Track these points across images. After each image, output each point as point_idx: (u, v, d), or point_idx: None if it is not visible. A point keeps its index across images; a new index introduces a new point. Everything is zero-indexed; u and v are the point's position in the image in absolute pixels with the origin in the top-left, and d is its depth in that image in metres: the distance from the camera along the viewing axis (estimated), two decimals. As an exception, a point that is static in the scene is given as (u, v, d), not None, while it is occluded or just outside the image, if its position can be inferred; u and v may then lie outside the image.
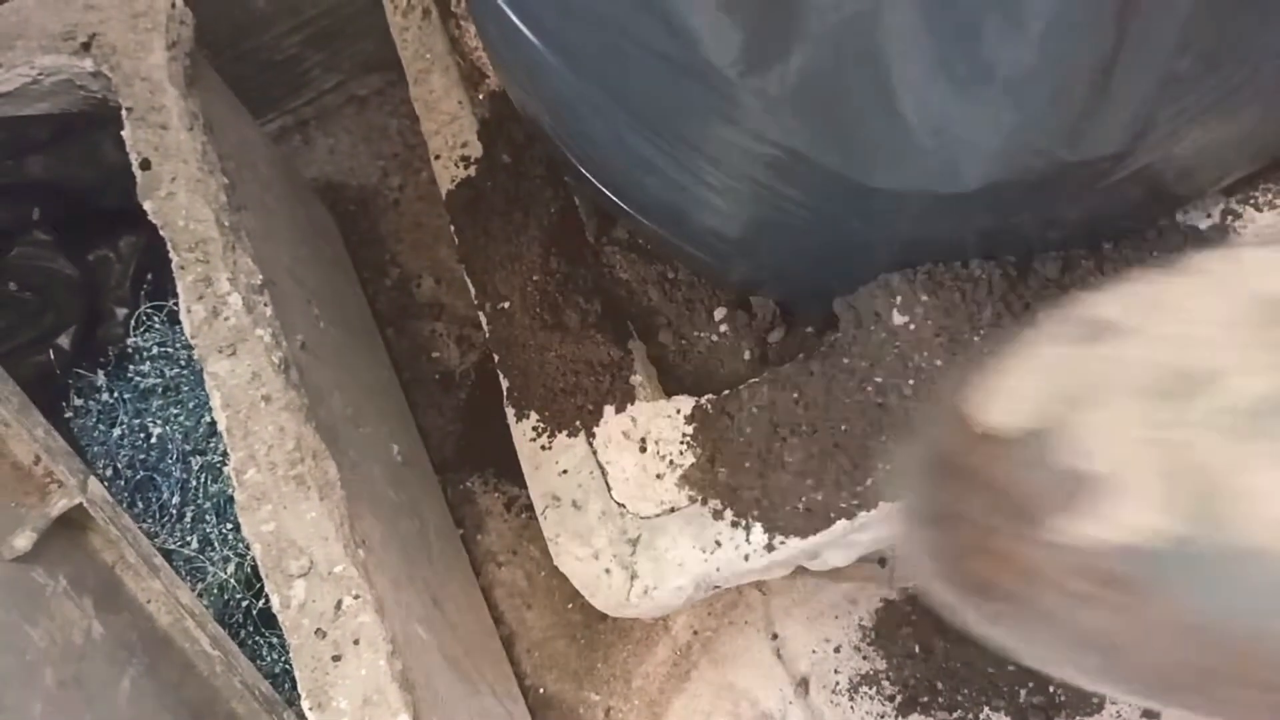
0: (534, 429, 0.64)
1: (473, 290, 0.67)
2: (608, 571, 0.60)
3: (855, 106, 0.41)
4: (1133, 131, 0.42)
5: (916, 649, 0.78)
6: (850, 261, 0.56)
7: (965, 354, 0.55)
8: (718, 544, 0.60)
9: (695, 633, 0.83)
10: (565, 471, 0.63)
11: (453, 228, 0.69)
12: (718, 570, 0.59)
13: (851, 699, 0.79)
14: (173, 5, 0.72)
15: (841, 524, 0.58)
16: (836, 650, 0.80)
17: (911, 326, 0.55)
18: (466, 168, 0.70)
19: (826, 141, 0.43)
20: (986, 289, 0.54)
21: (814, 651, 0.80)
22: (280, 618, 0.57)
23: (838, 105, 0.42)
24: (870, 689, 0.78)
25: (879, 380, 0.57)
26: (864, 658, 0.79)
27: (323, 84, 1.01)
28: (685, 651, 0.82)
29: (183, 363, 0.69)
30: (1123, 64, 0.39)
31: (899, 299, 0.55)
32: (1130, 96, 0.41)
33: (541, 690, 0.83)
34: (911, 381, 0.56)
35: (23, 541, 0.47)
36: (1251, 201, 0.57)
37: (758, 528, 0.59)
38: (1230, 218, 0.57)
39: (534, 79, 0.53)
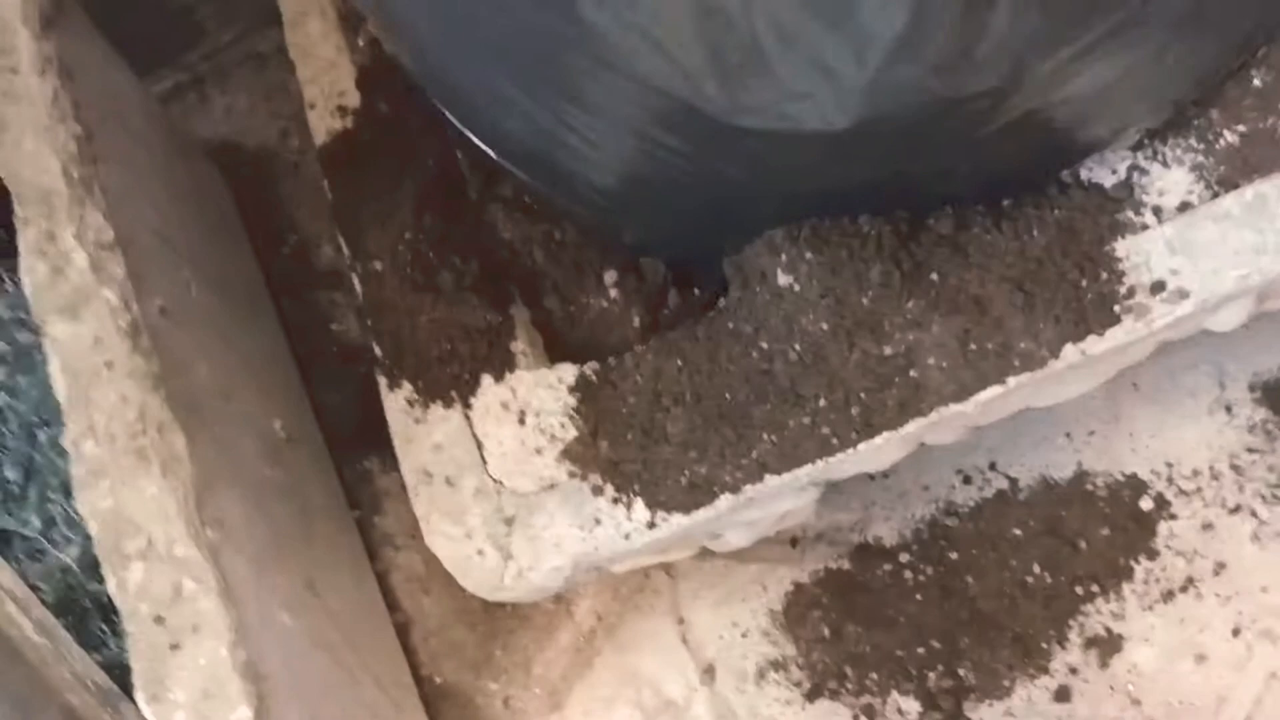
0: (407, 400, 0.60)
1: (345, 250, 0.62)
2: (480, 552, 0.57)
3: (716, 36, 0.37)
4: (1011, 66, 0.39)
5: (826, 633, 0.75)
6: (736, 217, 0.52)
7: (853, 317, 0.52)
8: (597, 522, 0.56)
9: (599, 618, 0.79)
10: (439, 446, 0.59)
11: (326, 183, 0.64)
12: (596, 549, 0.56)
13: (759, 686, 0.75)
14: (28, -59, 0.67)
15: (726, 499, 0.55)
16: (744, 635, 0.77)
17: (796, 287, 0.51)
18: (343, 118, 0.66)
19: (690, 75, 0.39)
20: (875, 245, 0.50)
21: (721, 637, 0.77)
22: (117, 602, 0.53)
23: (699, 34, 0.38)
24: (778, 675, 0.75)
25: (764, 346, 0.53)
26: (773, 643, 0.76)
27: (220, 38, 0.96)
28: (589, 637, 0.79)
29: (30, 327, 0.64)
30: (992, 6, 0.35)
31: (783, 257, 0.51)
32: (1006, 25, 0.37)
33: (438, 680, 0.79)
34: (798, 346, 0.52)
35: None
36: (1159, 158, 0.54)
37: (639, 504, 0.56)
38: (1137, 174, 0.54)
39: (392, 17, 0.49)
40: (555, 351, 0.62)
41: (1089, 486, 0.74)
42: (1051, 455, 0.75)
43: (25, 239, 0.59)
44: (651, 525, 0.55)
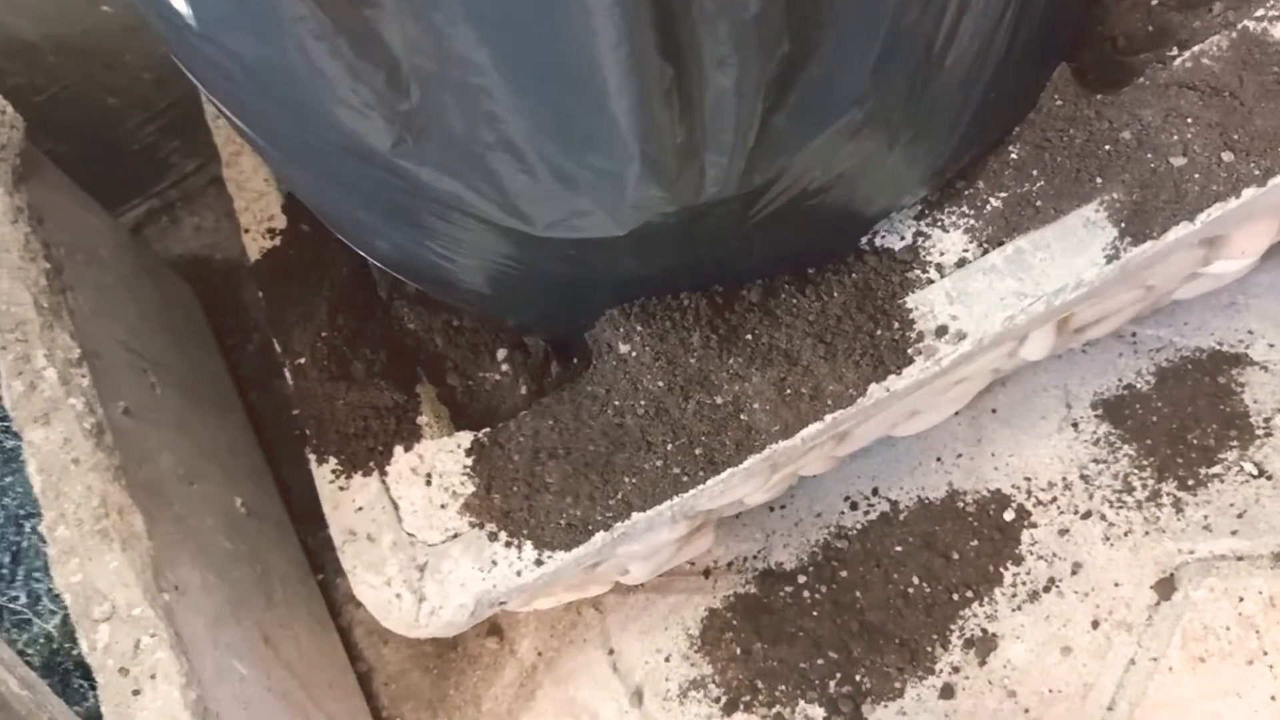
0: (332, 471, 0.70)
1: (277, 348, 0.73)
2: (398, 596, 0.66)
3: (497, 170, 0.48)
4: (738, 181, 0.49)
5: (738, 652, 0.84)
6: (582, 301, 0.62)
7: (684, 374, 0.62)
8: (494, 563, 0.65)
9: (539, 653, 0.88)
10: (360, 508, 0.69)
11: (260, 294, 0.75)
12: (494, 587, 0.65)
13: (681, 704, 0.84)
14: (2, 111, 0.79)
15: (600, 535, 0.64)
16: (667, 659, 0.85)
17: (633, 354, 0.62)
18: (272, 239, 0.77)
19: (484, 199, 0.50)
20: (694, 315, 0.61)
21: (647, 662, 0.86)
22: (89, 660, 0.62)
23: (482, 168, 0.48)
24: (698, 693, 0.84)
25: (616, 403, 0.63)
26: (691, 664, 0.85)
27: (184, 168, 1.08)
28: (530, 672, 0.88)
29: (17, 433, 0.75)
30: (701, 132, 0.46)
31: (621, 330, 0.61)
32: (722, 155, 0.48)
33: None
34: (643, 401, 0.62)
35: None
36: (938, 224, 0.64)
37: (528, 545, 0.65)
38: (920, 238, 0.64)
39: (265, 160, 0.60)
40: (461, 421, 0.72)
41: (959, 503, 0.83)
42: (926, 478, 0.85)
43: (4, 362, 0.70)
44: (539, 563, 0.65)
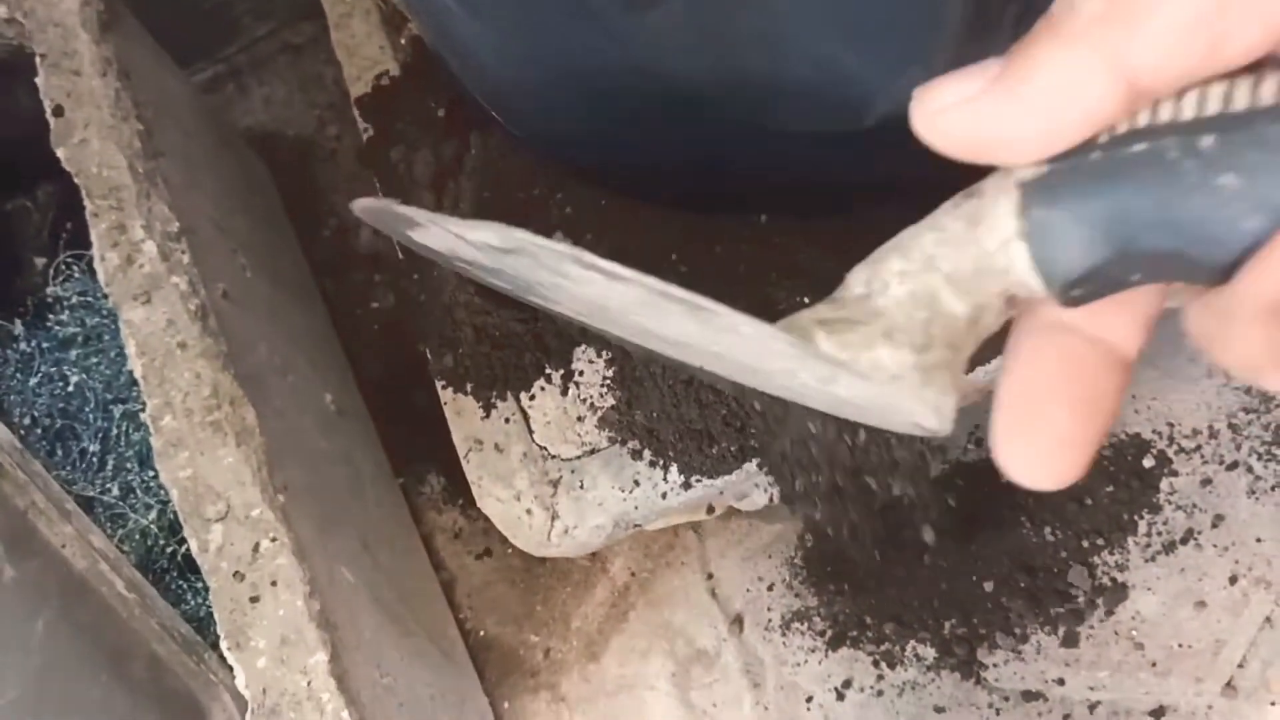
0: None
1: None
2: (529, 512, 0.61)
3: (745, 51, 0.41)
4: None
5: (846, 585, 0.80)
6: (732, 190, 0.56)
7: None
8: (636, 483, 0.60)
9: (633, 574, 0.84)
10: (487, 415, 0.63)
11: (376, 180, 0.68)
12: (636, 508, 0.60)
13: (784, 635, 0.80)
14: (85, -52, 0.71)
15: (750, 464, 0.59)
16: (770, 589, 0.81)
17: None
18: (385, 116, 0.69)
19: (726, 88, 0.43)
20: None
21: (748, 590, 0.82)
22: (199, 561, 0.57)
23: (725, 46, 0.42)
24: (802, 625, 0.80)
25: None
26: (795, 595, 0.81)
27: (255, 31, 1.00)
28: (623, 593, 0.84)
29: (104, 312, 0.69)
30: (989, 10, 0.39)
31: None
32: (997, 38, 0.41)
33: (482, 633, 0.84)
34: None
35: (-74, 487, 0.47)
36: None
37: (674, 468, 0.60)
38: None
39: (439, 24, 0.53)
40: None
41: (1095, 446, 0.79)
42: (1058, 416, 0.80)
43: (97, 231, 0.63)
44: (687, 486, 0.60)
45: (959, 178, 0.30)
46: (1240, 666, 0.74)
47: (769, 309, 0.55)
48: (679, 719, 0.80)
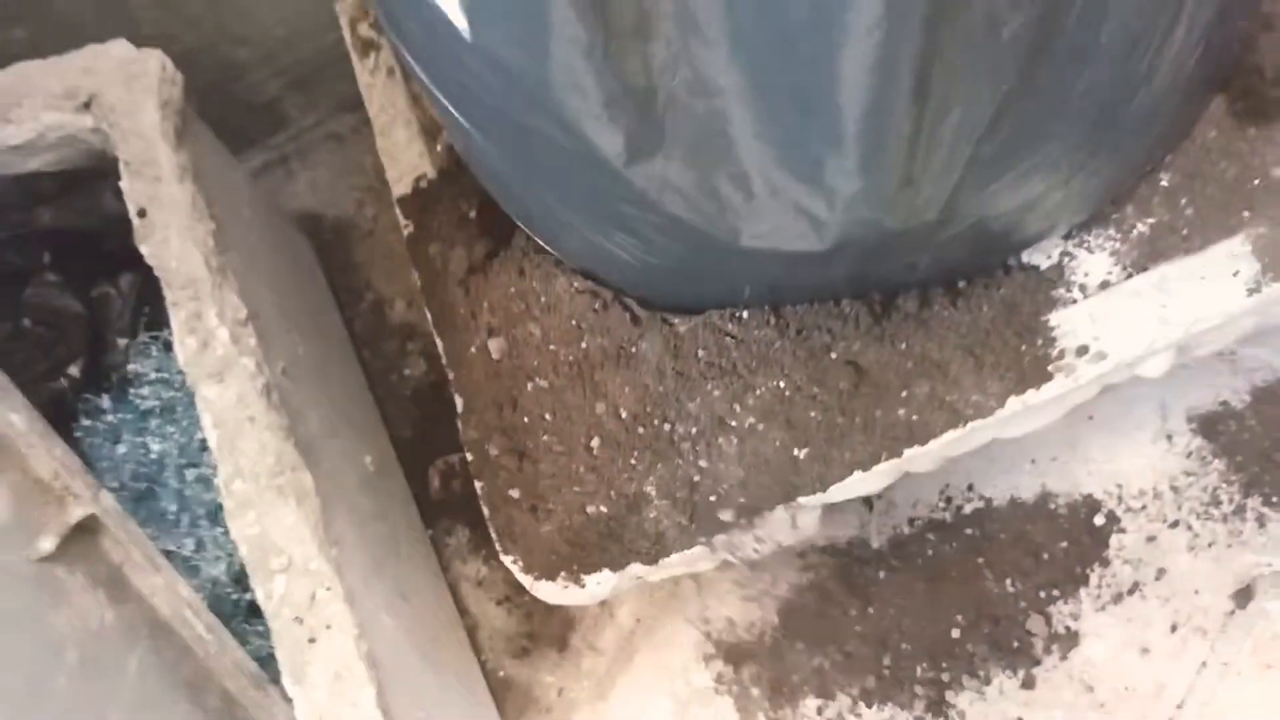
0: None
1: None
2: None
3: (719, 187, 0.51)
4: (942, 206, 0.52)
5: (826, 634, 0.88)
6: (740, 293, 0.66)
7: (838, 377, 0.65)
8: (639, 540, 0.70)
9: (638, 620, 0.93)
10: (510, 479, 0.73)
11: (416, 272, 0.78)
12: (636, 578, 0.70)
13: (774, 676, 0.89)
14: (163, 68, 0.82)
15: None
16: (760, 636, 0.90)
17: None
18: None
19: (700, 213, 0.53)
20: (855, 323, 0.64)
21: (742, 636, 0.90)
22: (264, 608, 0.67)
23: (705, 185, 0.52)
24: (790, 670, 0.89)
25: (775, 386, 0.67)
26: (784, 639, 0.89)
27: (302, 122, 1.11)
28: (629, 638, 0.92)
29: (176, 386, 0.79)
30: (921, 161, 0.49)
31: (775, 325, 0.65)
32: (937, 181, 0.51)
33: (501, 673, 0.93)
34: (802, 396, 0.66)
35: (46, 544, 0.56)
36: (1084, 245, 0.67)
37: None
38: (1067, 258, 0.67)
39: (470, 153, 0.63)
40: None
41: (1051, 505, 0.88)
42: (1019, 479, 0.89)
43: (176, 319, 0.73)
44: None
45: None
46: (1179, 707, 0.82)
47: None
48: (679, 751, 0.88)
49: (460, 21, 0.46)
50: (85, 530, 0.60)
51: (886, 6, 0.42)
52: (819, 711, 0.87)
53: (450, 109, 0.56)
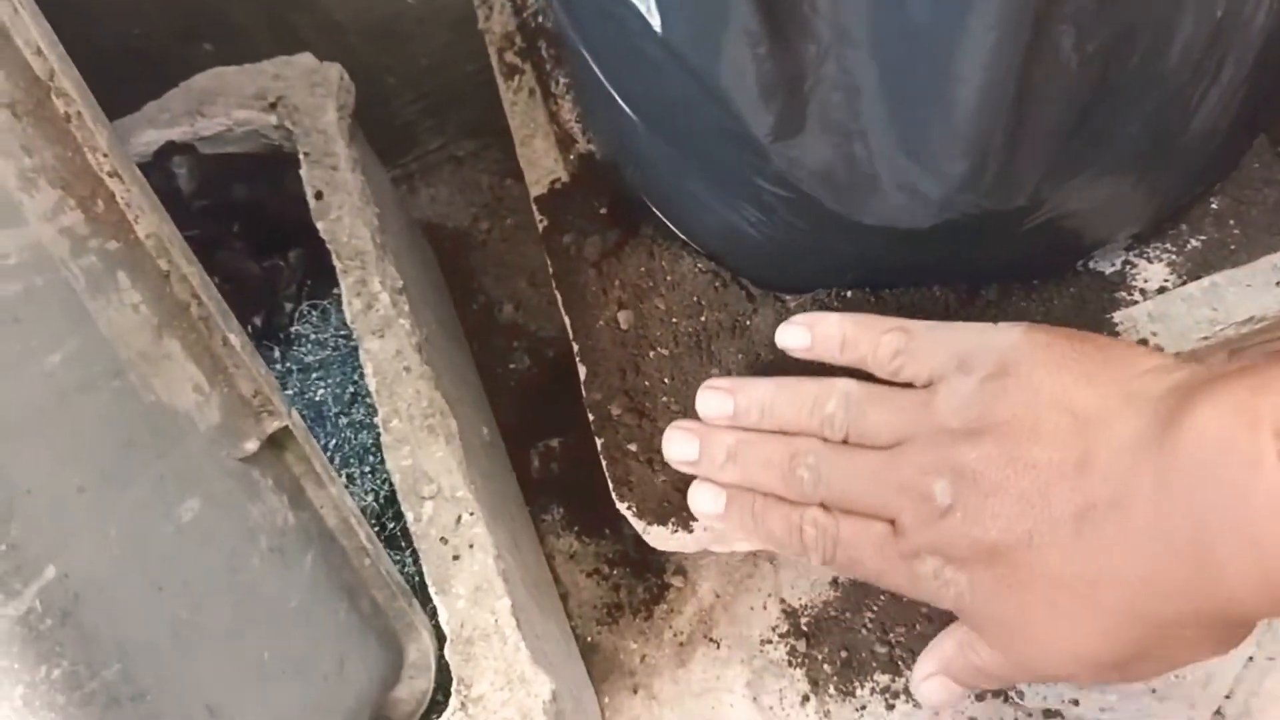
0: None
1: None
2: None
3: (847, 165, 0.62)
4: (1030, 193, 0.63)
5: (891, 616, 0.96)
6: (843, 274, 0.76)
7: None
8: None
9: (717, 596, 1.01)
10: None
11: (548, 258, 0.89)
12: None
13: (844, 653, 0.96)
14: (341, 77, 0.95)
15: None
16: (832, 614, 0.98)
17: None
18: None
19: (829, 189, 0.64)
20: (944, 306, 0.74)
21: (814, 613, 0.98)
22: (412, 529, 0.76)
23: (836, 164, 0.63)
24: (858, 645, 0.96)
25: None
26: (852, 617, 0.97)
27: (428, 145, 1.24)
28: (709, 611, 1.01)
29: (330, 347, 0.90)
30: (1021, 151, 0.60)
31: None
32: (1028, 170, 0.61)
33: (589, 639, 1.01)
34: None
35: (250, 445, 0.66)
36: (1144, 256, 0.77)
37: (771, 483, 0.78)
38: (1128, 266, 0.77)
39: (624, 142, 0.75)
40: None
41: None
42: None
43: (346, 284, 0.85)
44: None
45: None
46: (1227, 698, 0.88)
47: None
48: (752, 717, 0.95)
49: (654, 18, 0.58)
50: (274, 443, 0.70)
51: (1000, 12, 0.53)
52: (886, 688, 0.94)
53: (620, 101, 0.67)
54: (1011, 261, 0.74)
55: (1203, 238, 0.77)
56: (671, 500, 0.79)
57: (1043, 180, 0.62)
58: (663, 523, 0.79)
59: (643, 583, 1.02)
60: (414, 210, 1.23)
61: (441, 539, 0.75)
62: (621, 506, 0.81)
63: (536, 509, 1.07)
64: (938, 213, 0.63)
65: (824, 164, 0.62)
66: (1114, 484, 0.52)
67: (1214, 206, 0.77)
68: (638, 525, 0.80)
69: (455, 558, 0.74)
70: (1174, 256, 0.77)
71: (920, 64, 0.57)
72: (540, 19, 0.99)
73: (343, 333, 0.91)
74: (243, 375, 0.70)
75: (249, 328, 0.84)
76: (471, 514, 0.75)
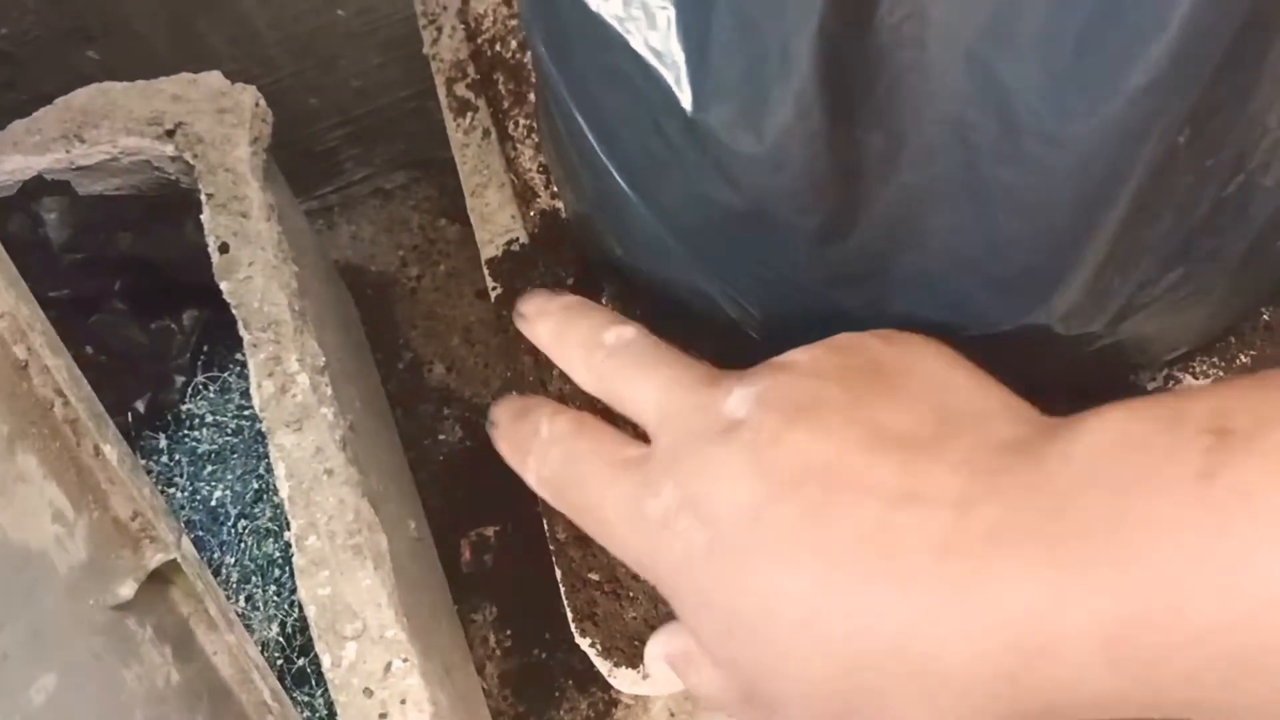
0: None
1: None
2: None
3: (896, 269, 0.51)
4: (1108, 320, 0.53)
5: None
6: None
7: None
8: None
9: (672, 715, 0.89)
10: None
11: (501, 331, 0.76)
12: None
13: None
14: (256, 104, 0.80)
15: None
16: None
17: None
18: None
19: (866, 303, 0.53)
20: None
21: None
22: (329, 676, 0.62)
23: (883, 264, 0.52)
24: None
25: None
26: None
27: (353, 175, 1.09)
28: (662, 734, 0.89)
29: (230, 431, 0.75)
30: (1105, 279, 0.50)
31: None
32: (1109, 298, 0.52)
33: (517, 753, 0.88)
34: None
35: (125, 590, 0.52)
36: (1190, 370, 0.69)
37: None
38: (1171, 382, 0.68)
39: (611, 215, 0.62)
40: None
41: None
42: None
43: (255, 361, 0.70)
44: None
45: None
46: None
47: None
48: None
49: (684, 95, 0.46)
50: (158, 579, 0.56)
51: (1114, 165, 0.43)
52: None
53: (617, 176, 0.55)
54: (1057, 380, 0.64)
55: (1252, 353, 0.69)
56: (643, 639, 0.67)
57: (1120, 310, 0.53)
58: (632, 665, 0.67)
59: (587, 698, 0.89)
60: (332, 250, 1.08)
61: (366, 690, 0.61)
62: (584, 643, 0.68)
63: (466, 608, 0.93)
64: (988, 328, 0.53)
65: (867, 267, 0.51)
66: None
67: (1265, 319, 0.69)
68: (602, 666, 0.67)
69: (382, 716, 0.61)
70: (1220, 371, 0.69)
71: (1031, 200, 0.46)
72: (498, 47, 0.85)
73: (246, 411, 0.76)
74: (119, 494, 0.55)
75: (130, 415, 0.69)
76: (404, 660, 0.62)
